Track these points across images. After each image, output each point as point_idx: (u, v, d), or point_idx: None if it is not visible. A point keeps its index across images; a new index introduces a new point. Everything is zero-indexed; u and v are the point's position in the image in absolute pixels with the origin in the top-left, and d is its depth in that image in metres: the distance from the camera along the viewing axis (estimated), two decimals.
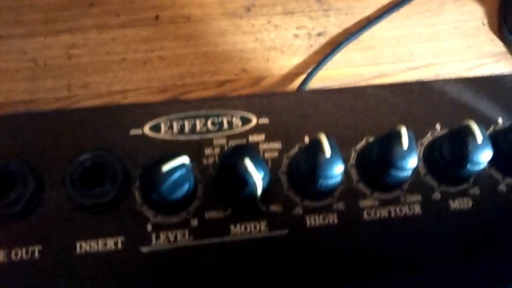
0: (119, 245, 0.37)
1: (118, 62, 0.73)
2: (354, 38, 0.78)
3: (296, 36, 0.77)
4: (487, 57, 0.78)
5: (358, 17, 0.79)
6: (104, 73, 0.73)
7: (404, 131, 0.36)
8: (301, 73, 0.76)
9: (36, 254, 0.36)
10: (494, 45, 0.79)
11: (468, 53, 0.78)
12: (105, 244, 0.37)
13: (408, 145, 0.36)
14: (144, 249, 0.37)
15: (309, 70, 0.75)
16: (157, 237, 0.37)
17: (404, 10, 0.80)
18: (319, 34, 0.78)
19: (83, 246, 0.37)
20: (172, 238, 0.37)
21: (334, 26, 0.79)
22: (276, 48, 0.77)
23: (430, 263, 0.38)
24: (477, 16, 0.80)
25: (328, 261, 0.38)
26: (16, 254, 0.36)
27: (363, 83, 0.76)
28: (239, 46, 0.76)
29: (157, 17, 0.76)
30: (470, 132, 0.37)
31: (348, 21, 0.79)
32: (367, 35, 0.79)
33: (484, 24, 0.80)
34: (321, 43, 0.78)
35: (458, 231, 0.39)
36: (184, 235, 0.37)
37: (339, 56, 0.77)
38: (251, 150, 0.36)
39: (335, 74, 0.76)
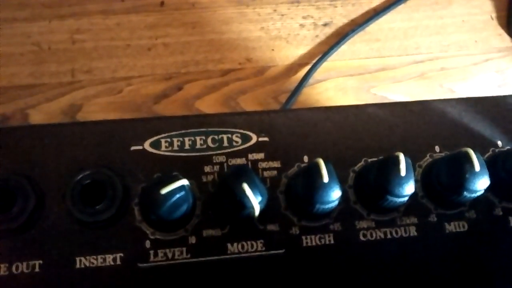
0: (118, 261, 0.37)
1: (122, 48, 0.73)
2: (361, 29, 0.77)
3: (302, 26, 0.77)
4: (494, 52, 0.78)
5: (365, 8, 0.79)
6: (108, 58, 0.73)
7: (402, 158, 0.37)
8: (306, 64, 0.75)
9: (37, 268, 0.37)
10: (501, 39, 0.78)
11: (475, 47, 0.78)
12: (104, 260, 0.37)
13: (406, 173, 0.37)
14: (142, 266, 0.37)
15: (314, 61, 0.75)
16: (155, 254, 0.38)
17: (412, 2, 0.79)
18: (325, 25, 0.77)
19: (82, 261, 0.37)
20: (170, 255, 0.38)
21: (341, 16, 0.78)
22: (282, 37, 0.76)
23: (424, 285, 0.39)
24: (486, 10, 0.80)
25: (323, 281, 0.38)
26: (17, 267, 0.37)
27: (367, 75, 0.76)
28: (244, 34, 0.76)
29: (162, 3, 0.76)
30: (467, 160, 0.37)
31: (355, 11, 0.78)
32: (373, 27, 0.78)
33: (492, 18, 0.79)
34: (327, 34, 0.77)
35: (453, 254, 0.40)
36: (181, 252, 0.38)
37: (345, 47, 0.77)
38: (250, 174, 0.36)
39: (340, 65, 0.76)
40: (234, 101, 0.73)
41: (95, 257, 0.37)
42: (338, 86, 0.75)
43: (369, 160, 0.41)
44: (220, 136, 0.41)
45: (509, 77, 0.76)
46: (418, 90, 0.75)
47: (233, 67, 0.74)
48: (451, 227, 0.40)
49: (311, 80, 0.75)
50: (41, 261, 0.37)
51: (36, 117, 0.69)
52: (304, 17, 0.77)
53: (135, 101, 0.71)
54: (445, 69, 0.77)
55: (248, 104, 0.73)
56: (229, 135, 0.41)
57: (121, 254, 0.38)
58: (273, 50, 0.76)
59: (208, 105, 0.72)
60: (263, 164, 0.40)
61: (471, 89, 0.75)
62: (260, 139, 0.41)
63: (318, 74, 0.75)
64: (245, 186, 0.35)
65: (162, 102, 0.72)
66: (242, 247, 0.38)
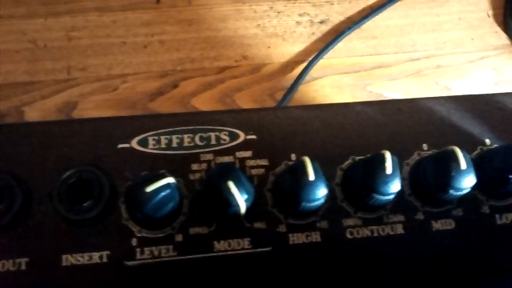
0: (104, 259, 0.37)
1: (118, 45, 0.73)
2: (357, 26, 0.77)
3: (298, 23, 0.77)
4: (490, 50, 0.77)
5: (361, 5, 0.78)
6: (104, 56, 0.73)
7: (388, 156, 0.37)
8: (302, 61, 0.75)
9: (23, 266, 0.37)
10: (498, 37, 0.78)
11: (471, 45, 0.78)
12: (91, 258, 0.37)
13: (392, 171, 0.37)
14: (129, 263, 0.38)
15: (310, 58, 0.75)
16: (142, 252, 0.38)
17: None
18: (322, 22, 0.77)
19: (69, 259, 0.37)
20: (156, 253, 0.38)
21: (337, 14, 0.78)
22: (278, 35, 0.76)
23: (410, 283, 0.39)
24: (482, 7, 0.79)
25: (310, 279, 0.38)
26: (3, 265, 0.37)
27: (363, 73, 0.76)
28: (240, 32, 0.76)
29: (158, 1, 0.76)
30: (454, 158, 0.37)
31: (352, 9, 0.78)
32: (370, 24, 0.78)
33: (489, 16, 0.79)
34: (323, 31, 0.77)
35: (440, 252, 0.40)
36: (168, 250, 0.38)
37: (341, 45, 0.77)
38: (236, 172, 0.36)
39: (336, 63, 0.76)
40: (230, 99, 0.73)
41: (81, 255, 0.37)
42: (334, 84, 0.75)
43: (357, 158, 0.41)
44: (207, 134, 0.41)
45: (505, 75, 0.76)
46: (414, 87, 0.75)
47: (229, 65, 0.74)
48: (438, 225, 0.40)
49: (307, 77, 0.75)
50: (27, 259, 0.37)
51: (32, 115, 0.69)
52: (300, 15, 0.77)
53: (130, 98, 0.71)
54: (441, 66, 0.77)
55: (244, 101, 0.73)
56: (217, 133, 0.41)
57: (108, 252, 0.38)
58: (269, 47, 0.76)
59: (203, 103, 0.73)
60: (251, 162, 0.40)
61: (467, 87, 0.75)
62: (248, 137, 0.41)
63: (314, 71, 0.75)
64: (231, 184, 0.35)
65: (158, 100, 0.72)
66: (229, 244, 0.39)
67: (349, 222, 0.40)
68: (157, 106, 0.72)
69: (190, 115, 0.41)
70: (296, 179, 0.36)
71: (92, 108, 0.70)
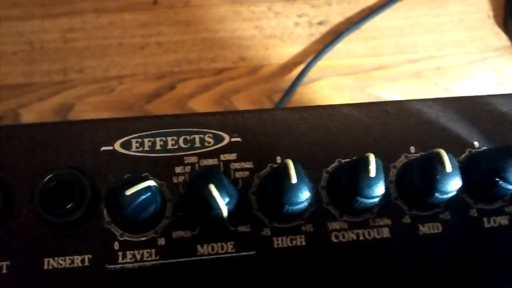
0: (86, 262, 0.37)
1: (115, 47, 0.73)
2: (356, 27, 0.76)
3: (296, 24, 0.76)
4: (490, 51, 0.77)
5: (361, 6, 0.78)
6: (100, 57, 0.73)
7: (372, 159, 0.36)
8: (300, 63, 0.75)
9: (4, 269, 0.37)
10: (498, 38, 0.77)
11: (471, 46, 0.77)
12: (72, 261, 0.37)
13: (376, 174, 0.36)
14: (111, 267, 0.37)
15: (308, 60, 0.75)
16: (124, 256, 0.37)
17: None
18: (320, 23, 0.77)
19: (50, 263, 0.37)
20: (138, 257, 0.38)
21: (336, 14, 0.77)
22: (276, 36, 0.76)
23: (396, 287, 0.39)
24: (483, 8, 0.78)
25: (294, 283, 0.38)
26: None
27: (363, 74, 0.75)
28: (238, 33, 0.75)
29: (155, 2, 0.75)
30: (439, 161, 0.37)
31: (351, 10, 0.78)
32: (369, 25, 0.77)
33: (489, 17, 0.78)
34: (322, 32, 0.76)
35: (427, 256, 0.39)
36: (150, 254, 0.38)
37: (340, 46, 0.76)
38: (217, 175, 0.36)
39: (335, 64, 0.75)
40: (227, 100, 0.72)
41: (63, 258, 0.37)
42: (333, 85, 0.75)
43: (343, 161, 0.40)
44: (192, 136, 0.40)
45: (506, 76, 0.75)
46: (413, 89, 0.75)
47: (226, 66, 0.74)
48: (425, 228, 0.39)
49: (305, 79, 0.74)
50: (9, 262, 0.37)
51: (28, 117, 0.69)
52: (299, 16, 0.77)
53: (127, 100, 0.71)
54: (441, 68, 0.76)
55: (241, 103, 0.73)
56: (201, 136, 0.40)
57: (90, 256, 0.37)
58: (267, 48, 0.75)
59: (201, 104, 0.72)
60: (235, 165, 0.40)
61: (468, 89, 0.75)
62: (233, 139, 0.40)
63: (312, 73, 0.75)
64: (212, 188, 0.35)
65: (155, 102, 0.72)
66: (212, 248, 0.38)
67: (334, 225, 0.39)
68: (154, 108, 0.71)
69: (174, 117, 0.40)
70: (279, 182, 0.36)
71: (88, 110, 0.70)
